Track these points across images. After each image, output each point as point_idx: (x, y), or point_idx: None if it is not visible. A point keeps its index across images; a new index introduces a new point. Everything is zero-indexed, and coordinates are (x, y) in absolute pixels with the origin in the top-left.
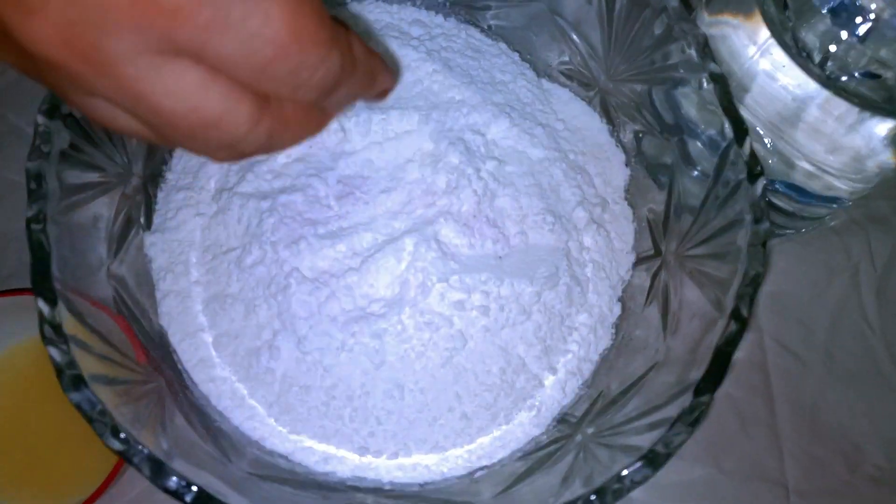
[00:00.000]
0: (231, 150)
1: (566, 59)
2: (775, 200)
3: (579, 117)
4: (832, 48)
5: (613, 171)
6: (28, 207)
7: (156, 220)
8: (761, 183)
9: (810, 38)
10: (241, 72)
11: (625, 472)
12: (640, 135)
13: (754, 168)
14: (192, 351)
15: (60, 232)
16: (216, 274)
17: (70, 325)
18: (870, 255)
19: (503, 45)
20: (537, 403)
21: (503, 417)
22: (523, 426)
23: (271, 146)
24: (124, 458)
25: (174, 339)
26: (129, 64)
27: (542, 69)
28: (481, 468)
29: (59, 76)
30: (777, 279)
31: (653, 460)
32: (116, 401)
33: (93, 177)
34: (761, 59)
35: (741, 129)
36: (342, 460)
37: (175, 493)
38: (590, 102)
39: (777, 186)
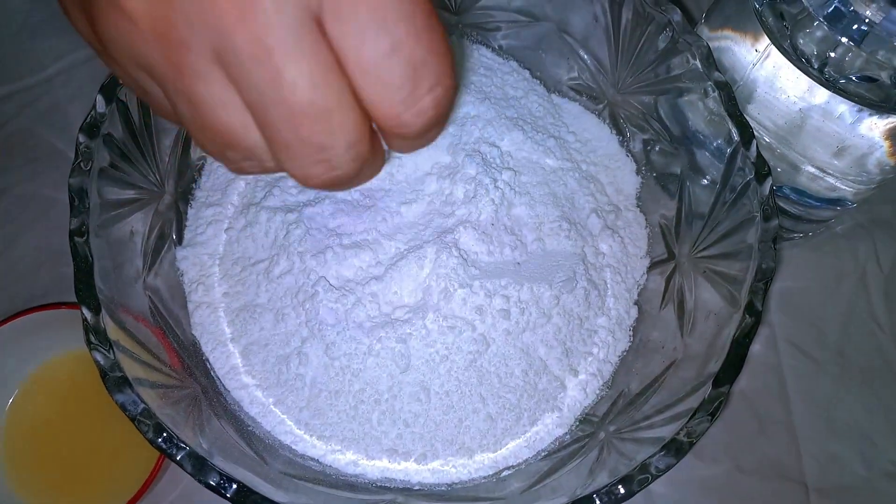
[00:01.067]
0: (329, 160)
1: (575, 74)
2: (782, 205)
3: (590, 129)
4: (831, 54)
5: (624, 179)
6: (71, 221)
7: (186, 235)
8: (769, 182)
9: (808, 45)
10: (366, 54)
11: (649, 461)
12: (650, 145)
13: (762, 168)
14: (223, 359)
15: (101, 244)
16: (245, 285)
17: (112, 331)
18: (876, 257)
19: (514, 64)
20: (560, 405)
21: (527, 418)
22: (547, 427)
23: (359, 173)
24: (167, 455)
25: (206, 348)
26: (273, 5)
27: (552, 85)
28: (507, 468)
29: (194, 18)
30: (787, 283)
31: (676, 449)
32: (157, 402)
33: (129, 194)
34: (762, 68)
35: (747, 133)
36: (371, 462)
37: (217, 489)
38: (599, 115)
39: (784, 191)
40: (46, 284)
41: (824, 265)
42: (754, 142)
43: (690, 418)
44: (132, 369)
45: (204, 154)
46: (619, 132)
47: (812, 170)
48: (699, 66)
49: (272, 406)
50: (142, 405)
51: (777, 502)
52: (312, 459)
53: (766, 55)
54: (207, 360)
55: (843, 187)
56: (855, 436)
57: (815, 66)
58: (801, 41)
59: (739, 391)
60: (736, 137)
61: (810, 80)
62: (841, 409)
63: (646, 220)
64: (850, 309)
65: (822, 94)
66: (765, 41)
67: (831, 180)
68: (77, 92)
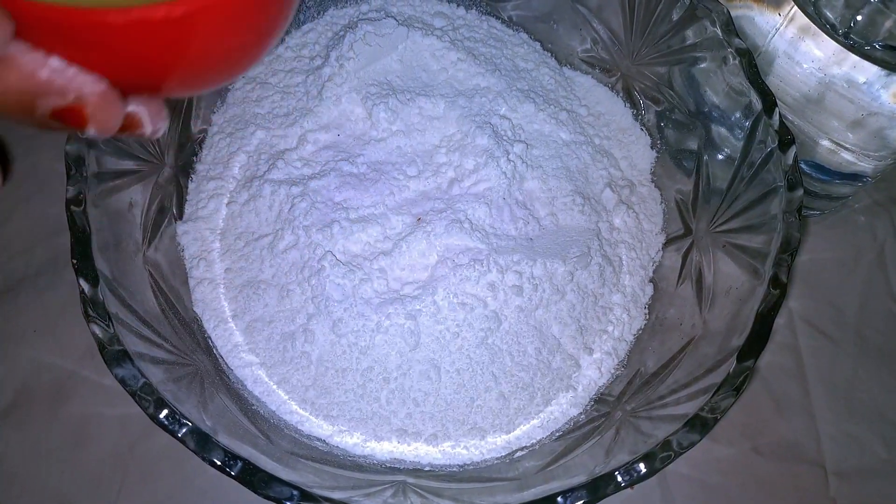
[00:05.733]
0: None
1: (588, 46)
2: None
3: (603, 103)
4: (857, 17)
5: (639, 154)
6: (67, 189)
7: (187, 209)
8: (793, 150)
9: (834, 8)
10: None
11: (671, 438)
12: (664, 119)
13: (785, 136)
14: (226, 337)
15: (99, 215)
16: (248, 260)
17: (111, 304)
18: (894, 235)
19: (524, 35)
20: (575, 384)
21: (540, 398)
22: (562, 406)
23: None
24: (169, 431)
25: (208, 325)
26: None
27: (563, 58)
28: (521, 449)
29: None
30: (805, 261)
31: (700, 425)
32: (158, 378)
33: (128, 164)
34: (784, 35)
35: (769, 100)
36: (380, 443)
37: (221, 467)
38: (612, 88)
39: (801, 166)
40: (40, 262)
41: (841, 243)
42: (776, 109)
43: (714, 394)
44: (132, 343)
45: (205, 126)
46: (633, 105)
47: (829, 144)
48: (719, 32)
49: (276, 385)
50: (143, 380)
51: (795, 485)
52: (319, 440)
53: (790, 20)
54: (209, 337)
55: (861, 163)
56: (875, 417)
57: (840, 33)
58: (826, 6)
59: (756, 372)
60: (758, 106)
61: (835, 45)
62: (860, 390)
63: (661, 195)
64: (868, 288)
65: (846, 61)
66: (788, 6)
67: (849, 155)
68: None
